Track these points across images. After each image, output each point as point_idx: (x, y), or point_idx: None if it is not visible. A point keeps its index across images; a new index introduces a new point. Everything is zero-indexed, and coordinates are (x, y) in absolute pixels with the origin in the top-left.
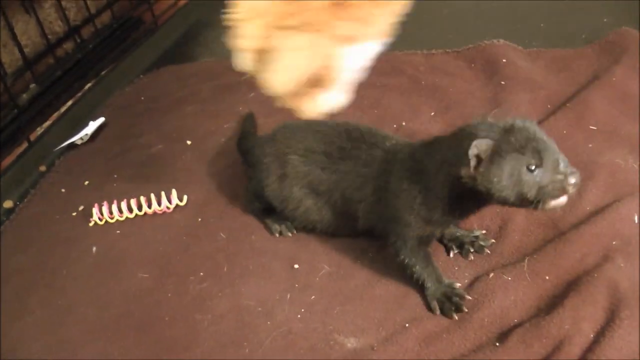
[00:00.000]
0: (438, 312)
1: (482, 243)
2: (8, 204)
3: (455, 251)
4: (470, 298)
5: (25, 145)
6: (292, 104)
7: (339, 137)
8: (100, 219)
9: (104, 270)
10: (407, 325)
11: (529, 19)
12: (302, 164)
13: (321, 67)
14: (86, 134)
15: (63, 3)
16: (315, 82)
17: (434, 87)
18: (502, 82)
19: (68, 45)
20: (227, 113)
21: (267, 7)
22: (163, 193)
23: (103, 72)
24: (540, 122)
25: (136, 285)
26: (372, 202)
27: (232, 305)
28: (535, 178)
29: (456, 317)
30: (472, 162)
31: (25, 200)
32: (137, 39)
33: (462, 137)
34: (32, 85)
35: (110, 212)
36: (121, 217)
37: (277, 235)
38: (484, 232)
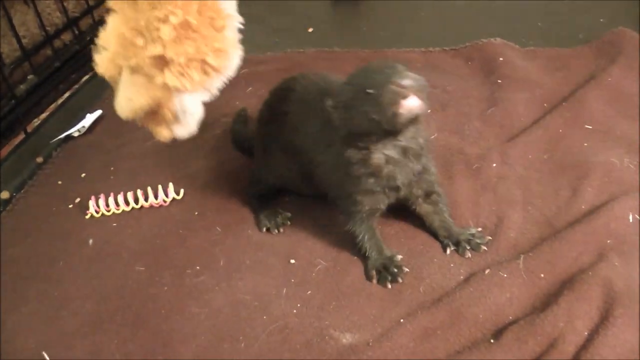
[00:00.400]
0: (375, 280)
1: (478, 241)
2: (5, 194)
3: (452, 248)
4: (408, 270)
5: (22, 136)
6: (148, 127)
7: (313, 99)
8: (97, 212)
9: (100, 262)
10: (402, 321)
11: (526, 18)
12: (278, 128)
13: (154, 105)
14: (83, 126)
15: None
16: (155, 115)
17: (431, 84)
18: (499, 81)
19: (66, 37)
20: (224, 106)
21: (112, 44)
22: (160, 186)
23: None
24: (536, 121)
25: (132, 278)
26: (328, 168)
27: (228, 299)
28: (372, 98)
29: (389, 286)
30: (334, 112)
31: (22, 191)
32: None
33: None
34: (30, 77)
35: (107, 205)
36: (118, 210)
37: (264, 230)
38: (480, 229)
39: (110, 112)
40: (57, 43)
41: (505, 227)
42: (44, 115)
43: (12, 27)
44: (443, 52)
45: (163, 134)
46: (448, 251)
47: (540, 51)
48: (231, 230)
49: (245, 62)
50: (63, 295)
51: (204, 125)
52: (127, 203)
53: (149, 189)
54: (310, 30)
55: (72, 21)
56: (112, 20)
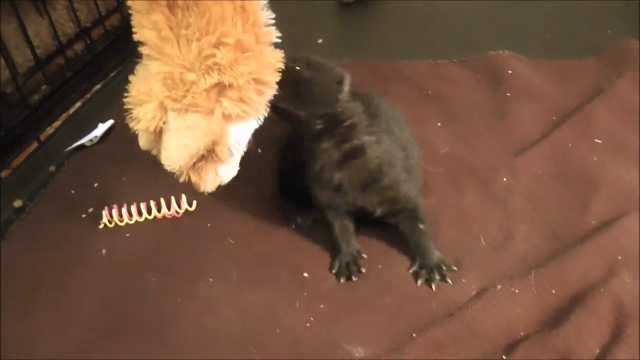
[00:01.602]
0: (334, 270)
1: (445, 270)
2: (18, 203)
3: (422, 279)
4: (364, 271)
5: (35, 145)
6: (191, 179)
7: None
8: (109, 222)
9: (113, 272)
10: (414, 335)
11: (532, 30)
12: None
13: (210, 143)
14: (95, 136)
15: (74, 5)
16: (207, 158)
17: (439, 96)
18: (508, 94)
19: (77, 47)
20: None
21: (156, 90)
22: (172, 198)
23: (112, 74)
24: (545, 135)
25: (145, 288)
26: None
27: (240, 311)
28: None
29: (342, 281)
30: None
31: (35, 200)
32: None
33: None
34: (44, 87)
35: (120, 215)
36: (131, 220)
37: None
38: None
39: (122, 122)
40: (69, 53)
41: (515, 241)
42: (56, 124)
43: (27, 38)
44: (451, 63)
45: (212, 181)
46: (419, 283)
47: (547, 63)
48: (243, 242)
49: None
50: (76, 304)
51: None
52: (140, 214)
53: (162, 200)
54: (320, 41)
55: (84, 31)
56: (148, 68)
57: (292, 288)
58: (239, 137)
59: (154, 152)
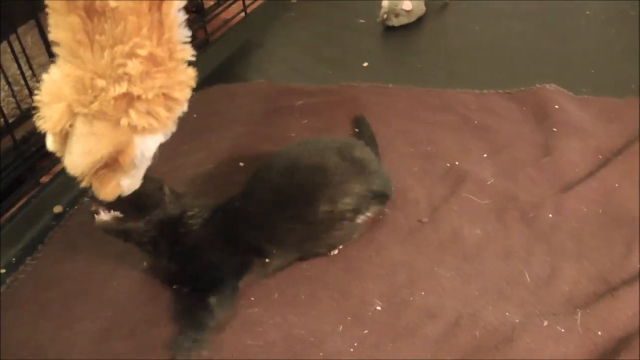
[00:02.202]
0: None
1: None
2: (58, 208)
3: None
4: None
5: None
6: (92, 186)
7: None
8: None
9: (154, 287)
10: None
11: (578, 64)
12: None
13: (115, 153)
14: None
15: None
16: (111, 166)
17: (485, 127)
18: (554, 129)
19: None
20: (279, 137)
21: (66, 92)
22: None
23: None
24: (591, 173)
25: None
26: None
27: (283, 333)
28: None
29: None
30: None
31: (76, 207)
32: None
33: None
34: None
35: None
36: None
37: None
38: None
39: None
40: None
41: (559, 279)
42: None
43: None
44: (497, 94)
45: (111, 190)
46: None
47: (593, 100)
48: None
49: (299, 92)
50: (114, 317)
51: (260, 157)
52: None
53: None
54: (366, 64)
55: None
56: (60, 69)
57: (335, 312)
58: (144, 149)
59: (58, 154)
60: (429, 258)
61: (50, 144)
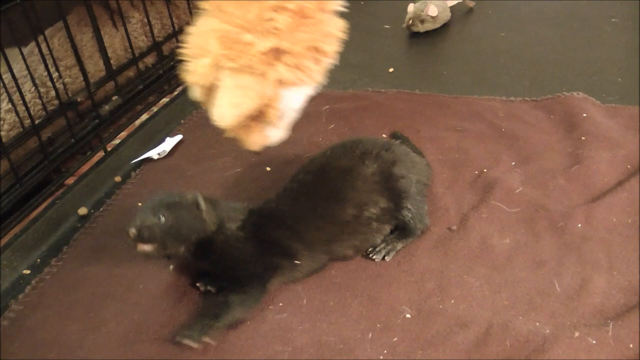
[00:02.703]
0: None
1: None
2: (83, 210)
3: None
4: None
5: (101, 154)
6: (237, 136)
7: None
8: None
9: (179, 290)
10: None
11: (605, 72)
12: None
13: (262, 105)
14: (164, 150)
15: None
16: (257, 118)
17: (513, 135)
18: (582, 138)
19: (148, 60)
20: (306, 142)
21: (212, 47)
22: None
23: (180, 88)
24: (620, 183)
25: None
26: None
27: (312, 339)
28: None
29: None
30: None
31: (101, 209)
32: None
33: None
34: (115, 97)
35: None
36: None
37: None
38: None
39: (190, 138)
40: (140, 66)
41: (590, 290)
42: (122, 135)
43: (103, 49)
44: (524, 102)
45: (257, 140)
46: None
47: (621, 109)
48: None
49: (326, 98)
50: (141, 319)
51: (286, 162)
52: None
53: None
54: (391, 70)
55: (157, 45)
56: (207, 23)
57: (365, 319)
58: (291, 102)
59: (203, 106)
60: (459, 266)
61: (196, 95)
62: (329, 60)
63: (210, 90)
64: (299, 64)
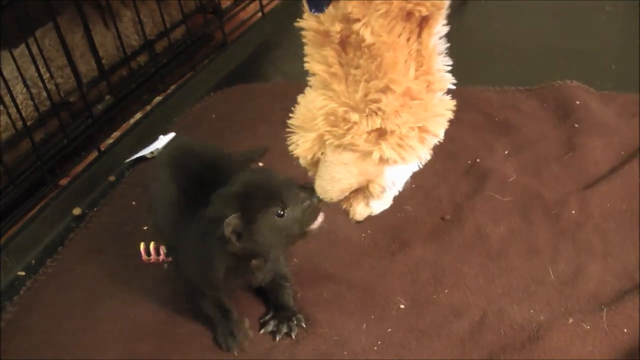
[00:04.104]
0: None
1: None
2: (77, 211)
3: (271, 329)
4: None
5: (95, 154)
6: (343, 206)
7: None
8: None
9: (175, 286)
10: None
11: (599, 60)
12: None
13: (364, 181)
14: (157, 148)
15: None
16: (360, 191)
17: (507, 125)
18: (576, 125)
19: (141, 59)
20: None
21: (318, 123)
22: None
23: (173, 87)
24: (614, 169)
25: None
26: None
27: (307, 331)
28: (289, 219)
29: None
30: (234, 239)
31: (95, 209)
32: (207, 55)
33: (214, 220)
34: (107, 97)
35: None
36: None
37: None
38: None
39: (183, 135)
40: (132, 64)
41: (585, 277)
42: (116, 135)
43: (93, 48)
44: (518, 91)
45: (360, 212)
46: (262, 332)
47: (615, 96)
48: (308, 261)
49: None
50: (138, 317)
51: (280, 155)
52: None
53: None
54: None
55: (149, 43)
56: (313, 98)
57: (359, 310)
58: (395, 178)
59: (309, 174)
60: (453, 256)
61: (301, 163)
62: (435, 139)
63: (315, 163)
64: (403, 144)
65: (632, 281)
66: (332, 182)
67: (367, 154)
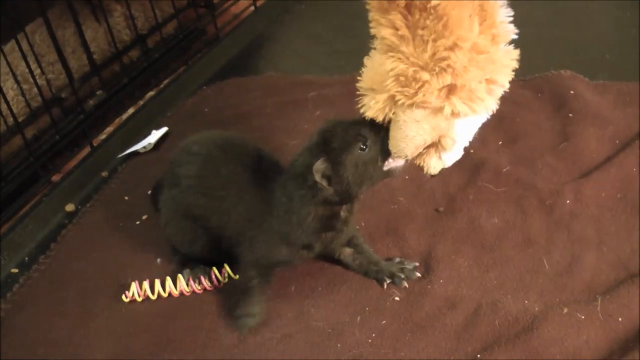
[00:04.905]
0: None
1: (409, 267)
2: (70, 207)
3: (388, 281)
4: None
5: (87, 150)
6: (416, 162)
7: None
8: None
9: (172, 280)
10: (478, 356)
11: (593, 50)
12: (184, 193)
13: (436, 137)
14: (149, 143)
15: (131, 12)
16: (433, 146)
17: (500, 115)
18: (570, 115)
19: (133, 53)
20: (293, 130)
21: (388, 84)
22: None
23: (165, 81)
24: (609, 158)
25: (203, 299)
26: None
27: (301, 325)
28: (372, 151)
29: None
30: (324, 183)
31: (88, 205)
32: (200, 49)
33: (301, 174)
34: (99, 92)
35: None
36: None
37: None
38: (401, 258)
39: (176, 130)
40: (125, 59)
41: (580, 267)
42: (108, 130)
43: (84, 43)
44: (512, 82)
45: (435, 165)
46: (385, 285)
47: (609, 85)
48: None
49: (312, 84)
50: (131, 313)
51: (272, 149)
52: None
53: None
54: None
55: (141, 38)
56: (382, 61)
57: (353, 303)
58: (465, 129)
59: None
60: (447, 247)
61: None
62: (502, 88)
63: (386, 122)
64: (473, 97)
65: (627, 270)
66: (406, 140)
67: (439, 110)
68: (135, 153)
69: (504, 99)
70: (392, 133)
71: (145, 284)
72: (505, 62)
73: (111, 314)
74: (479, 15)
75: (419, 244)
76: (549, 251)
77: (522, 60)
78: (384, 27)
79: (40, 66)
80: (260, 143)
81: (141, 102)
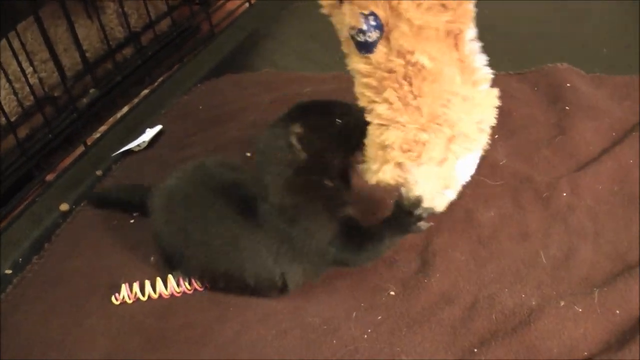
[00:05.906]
0: None
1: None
2: (64, 206)
3: None
4: None
5: (81, 148)
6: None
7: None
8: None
9: (163, 280)
10: (475, 350)
11: (589, 43)
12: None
13: (444, 186)
14: (144, 141)
15: (124, 9)
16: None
17: (497, 108)
18: (566, 108)
19: (126, 51)
20: None
21: (394, 154)
22: None
23: (160, 79)
24: (606, 151)
25: (197, 296)
26: None
27: (296, 321)
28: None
29: None
30: (298, 147)
31: (82, 204)
32: (194, 47)
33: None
34: (92, 90)
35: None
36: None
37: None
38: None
39: (171, 128)
40: (118, 57)
41: (577, 259)
42: (102, 128)
43: (77, 41)
44: (508, 76)
45: (440, 201)
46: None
47: (606, 78)
48: None
49: (308, 80)
50: (125, 311)
51: None
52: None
53: None
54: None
55: (134, 36)
56: (385, 136)
57: (349, 298)
58: (465, 167)
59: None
60: (443, 241)
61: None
62: (490, 124)
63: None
64: (468, 140)
65: (624, 263)
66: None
67: (443, 160)
68: (130, 151)
69: (501, 92)
70: (409, 186)
71: (136, 286)
72: (489, 102)
73: (105, 313)
74: (458, 67)
75: (415, 237)
76: (546, 244)
77: (519, 54)
78: (379, 104)
79: (32, 64)
80: (253, 140)
81: (135, 100)
